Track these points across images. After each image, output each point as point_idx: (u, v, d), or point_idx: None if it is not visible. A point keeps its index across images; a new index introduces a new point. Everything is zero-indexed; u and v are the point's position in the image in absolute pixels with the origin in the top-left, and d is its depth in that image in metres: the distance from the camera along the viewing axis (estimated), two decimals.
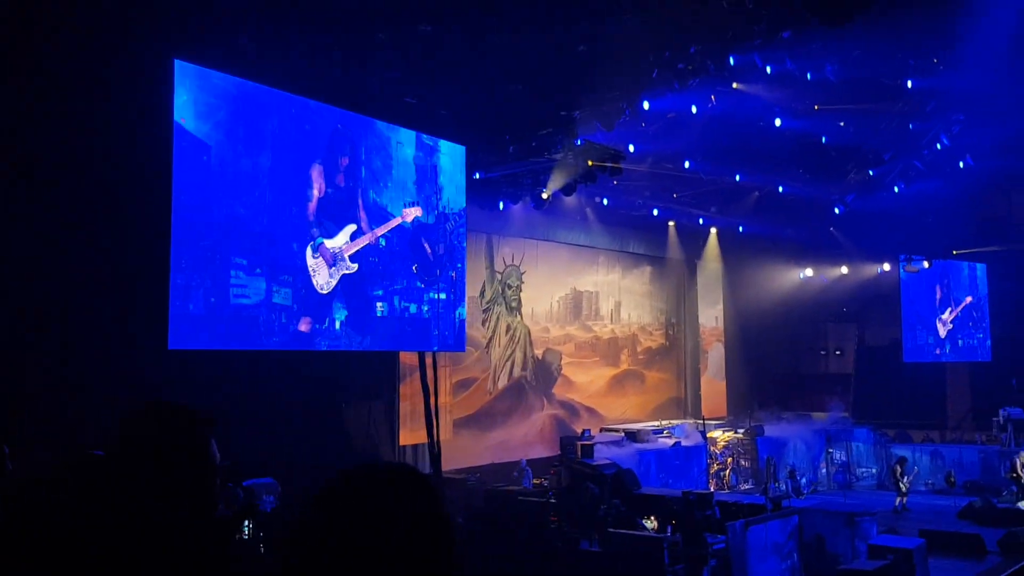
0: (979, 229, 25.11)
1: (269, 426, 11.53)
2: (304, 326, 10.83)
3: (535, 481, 15.94)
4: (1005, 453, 19.71)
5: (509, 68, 12.61)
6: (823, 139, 18.23)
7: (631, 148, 16.07)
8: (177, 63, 9.52)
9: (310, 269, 10.91)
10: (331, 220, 11.22)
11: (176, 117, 9.46)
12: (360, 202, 11.64)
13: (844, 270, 25.77)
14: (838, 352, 27.52)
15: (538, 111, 13.92)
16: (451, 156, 13.32)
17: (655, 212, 20.73)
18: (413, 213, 12.47)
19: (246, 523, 10.38)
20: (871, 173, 20.58)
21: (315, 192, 11.00)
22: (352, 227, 11.51)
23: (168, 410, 2.06)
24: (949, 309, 24.88)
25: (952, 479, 20.08)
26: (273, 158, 10.53)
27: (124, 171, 9.73)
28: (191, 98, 9.63)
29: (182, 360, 9.89)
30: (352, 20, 10.93)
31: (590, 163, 14.62)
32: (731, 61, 13.12)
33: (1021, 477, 18.61)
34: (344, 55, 11.29)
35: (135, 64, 9.58)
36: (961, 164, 20.33)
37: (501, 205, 16.97)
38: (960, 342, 24.93)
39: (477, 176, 15.39)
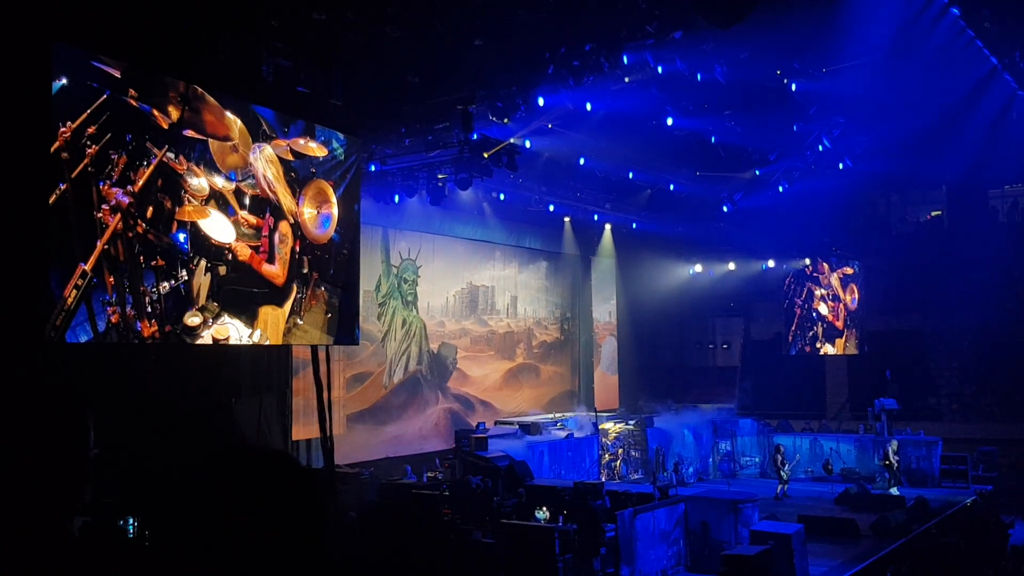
0: (858, 228, 26.32)
1: (155, 422, 11.19)
2: (191, 319, 10.54)
3: (429, 474, 15.95)
4: (878, 442, 20.72)
5: (405, 59, 12.53)
6: (712, 139, 18.77)
7: (527, 144, 16.21)
8: (56, 46, 9.12)
9: (197, 260, 10.62)
10: (219, 210, 10.94)
11: (55, 102, 9.06)
12: (249, 192, 11.38)
13: (732, 266, 26.57)
14: (725, 346, 28.43)
15: (434, 104, 13.89)
16: (345, 148, 13.16)
17: (551, 208, 20.96)
18: (306, 205, 12.26)
19: (131, 520, 10.08)
20: (757, 172, 21.30)
21: (203, 181, 10.71)
22: (241, 217, 11.25)
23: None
24: (829, 304, 25.95)
25: (830, 467, 20.99)
26: (161, 147, 10.19)
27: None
28: (71, 83, 9.23)
29: (61, 353, 9.50)
30: (244, 5, 10.68)
31: (485, 155, 14.66)
32: (624, 59, 13.36)
33: (893, 464, 19.62)
34: (234, 41, 11.01)
35: (9, 45, 9.14)
36: (841, 166, 21.22)
37: (397, 198, 16.85)
38: (838, 336, 26.01)
39: (372, 168, 15.26)
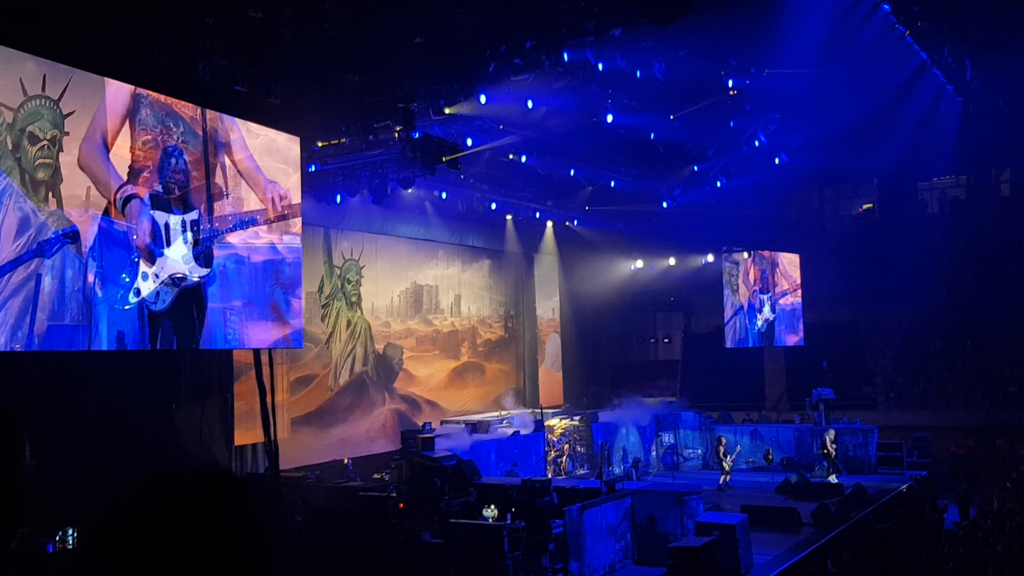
0: (793, 221, 26.83)
1: (93, 431, 10.93)
2: (128, 325, 10.29)
3: (376, 476, 15.83)
4: (816, 431, 21.13)
5: (345, 58, 12.41)
6: (652, 135, 18.95)
7: (469, 142, 16.16)
8: None
9: (135, 264, 10.38)
10: (162, 210, 10.70)
11: None
12: (193, 195, 11.15)
13: (672, 261, 26.83)
14: (666, 340, 28.73)
15: (375, 102, 13.78)
16: (284, 147, 12.96)
17: (493, 206, 20.94)
18: (245, 204, 12.07)
19: (70, 532, 9.83)
20: (695, 169, 21.57)
21: (143, 184, 10.46)
22: (183, 218, 11.03)
23: None
24: (767, 297, 26.37)
25: (770, 457, 21.38)
26: (94, 147, 9.93)
27: None
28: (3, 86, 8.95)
29: None
30: (180, 4, 10.47)
31: (444, 160, 14.57)
32: (565, 57, 13.41)
33: (831, 453, 20.04)
34: (170, 40, 10.78)
35: None
36: (776, 160, 21.63)
37: (338, 198, 16.67)
38: (776, 328, 26.45)
39: (313, 168, 15.06)
